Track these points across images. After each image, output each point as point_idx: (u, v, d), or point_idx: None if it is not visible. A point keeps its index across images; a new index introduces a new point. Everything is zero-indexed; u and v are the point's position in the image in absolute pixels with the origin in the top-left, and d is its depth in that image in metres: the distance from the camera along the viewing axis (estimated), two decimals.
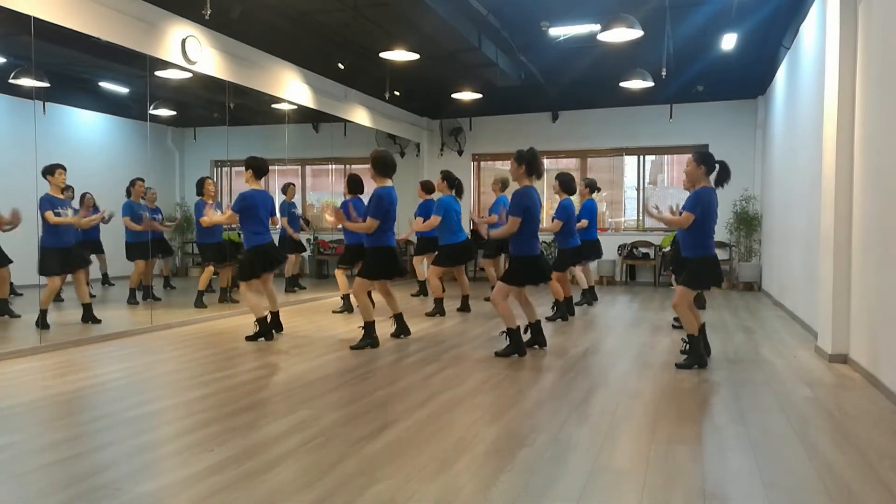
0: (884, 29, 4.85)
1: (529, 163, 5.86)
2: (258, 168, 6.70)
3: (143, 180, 9.53)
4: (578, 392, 4.71)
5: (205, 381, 5.10)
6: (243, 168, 6.74)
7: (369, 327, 6.27)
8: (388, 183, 6.26)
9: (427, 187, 9.37)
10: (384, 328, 6.88)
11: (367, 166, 6.32)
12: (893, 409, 4.31)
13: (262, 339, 6.65)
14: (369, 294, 6.51)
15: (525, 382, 5.01)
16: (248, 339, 6.68)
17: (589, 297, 9.54)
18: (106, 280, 10.62)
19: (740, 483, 3.11)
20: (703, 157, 5.46)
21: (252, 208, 6.57)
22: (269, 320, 6.79)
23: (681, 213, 5.59)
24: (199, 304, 8.81)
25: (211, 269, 9.00)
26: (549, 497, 2.89)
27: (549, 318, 7.88)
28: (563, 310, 8.11)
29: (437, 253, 8.78)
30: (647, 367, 5.55)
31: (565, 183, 8.28)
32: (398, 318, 6.79)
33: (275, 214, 7.05)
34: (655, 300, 10.33)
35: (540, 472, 3.17)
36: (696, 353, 5.45)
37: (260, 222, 6.65)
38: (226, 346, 6.49)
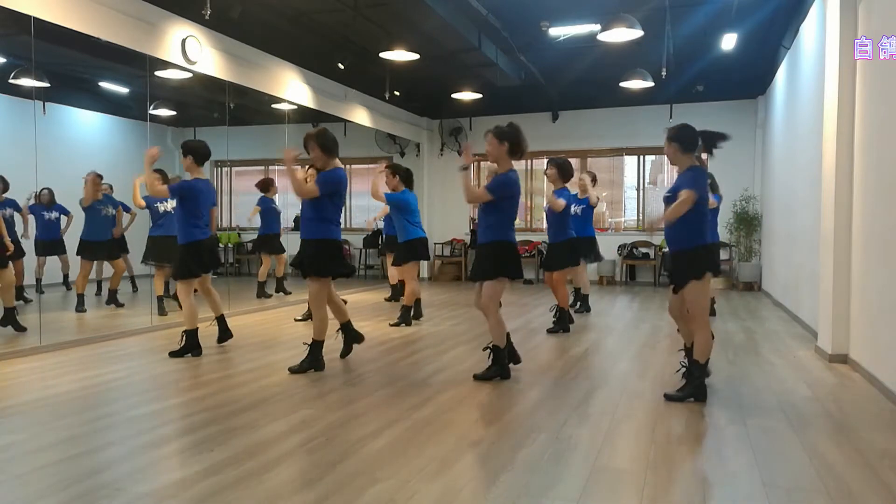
0: (884, 29, 4.84)
1: (513, 140, 5.02)
2: (202, 153, 5.92)
3: (99, 176, 8.82)
4: (578, 392, 4.71)
5: (205, 380, 5.10)
6: (182, 154, 5.94)
7: (315, 347, 5.40)
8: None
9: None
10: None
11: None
12: (893, 409, 4.31)
13: (190, 354, 5.90)
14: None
15: (525, 382, 5.01)
16: (172, 354, 5.86)
17: (585, 304, 8.78)
18: (66, 282, 10.00)
19: (740, 483, 3.11)
20: (676, 134, 4.45)
21: (193, 200, 5.81)
22: (217, 328, 6.25)
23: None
24: (162, 310, 8.08)
25: (165, 270, 8.02)
26: (549, 497, 2.89)
27: (549, 331, 7.17)
28: (566, 320, 7.26)
29: (397, 251, 7.89)
30: (647, 367, 5.56)
31: (564, 168, 7.25)
32: (344, 327, 5.80)
33: (215, 205, 6.29)
34: (655, 300, 10.32)
35: (540, 472, 3.17)
36: (694, 383, 4.45)
37: (199, 216, 5.89)
38: (225, 345, 6.48)
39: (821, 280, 6.08)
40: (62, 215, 9.34)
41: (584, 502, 2.85)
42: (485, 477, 3.14)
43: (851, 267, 5.59)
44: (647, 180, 13.81)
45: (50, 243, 9.28)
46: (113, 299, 8.98)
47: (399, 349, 6.32)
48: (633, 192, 13.86)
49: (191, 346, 5.94)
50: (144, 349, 6.42)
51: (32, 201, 9.10)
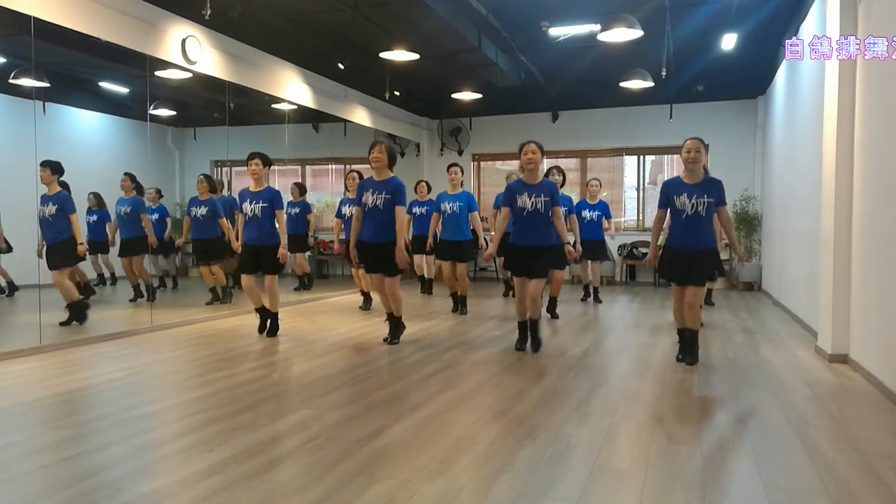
0: (883, 29, 4.85)
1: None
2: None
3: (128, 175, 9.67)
4: (578, 392, 4.71)
5: (205, 381, 5.10)
6: (258, 164, 7.02)
7: None
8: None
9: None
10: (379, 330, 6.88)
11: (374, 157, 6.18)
12: (893, 409, 4.31)
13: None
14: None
15: (525, 382, 5.01)
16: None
17: (587, 294, 10.09)
18: (102, 280, 10.39)
19: (740, 483, 3.11)
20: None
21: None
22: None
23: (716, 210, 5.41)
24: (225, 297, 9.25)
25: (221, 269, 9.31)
26: (549, 497, 2.89)
27: (552, 316, 8.26)
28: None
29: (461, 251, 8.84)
30: (647, 367, 5.55)
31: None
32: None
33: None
34: (655, 300, 10.32)
35: (540, 472, 3.17)
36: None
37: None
38: (225, 346, 6.49)
39: (821, 280, 6.08)
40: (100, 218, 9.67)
41: (584, 502, 2.85)
42: (485, 477, 3.13)
43: (851, 267, 5.59)
44: (647, 180, 13.81)
45: (94, 243, 9.56)
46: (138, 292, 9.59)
47: (399, 349, 6.32)
48: (632, 192, 13.86)
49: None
50: (144, 349, 6.41)
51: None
